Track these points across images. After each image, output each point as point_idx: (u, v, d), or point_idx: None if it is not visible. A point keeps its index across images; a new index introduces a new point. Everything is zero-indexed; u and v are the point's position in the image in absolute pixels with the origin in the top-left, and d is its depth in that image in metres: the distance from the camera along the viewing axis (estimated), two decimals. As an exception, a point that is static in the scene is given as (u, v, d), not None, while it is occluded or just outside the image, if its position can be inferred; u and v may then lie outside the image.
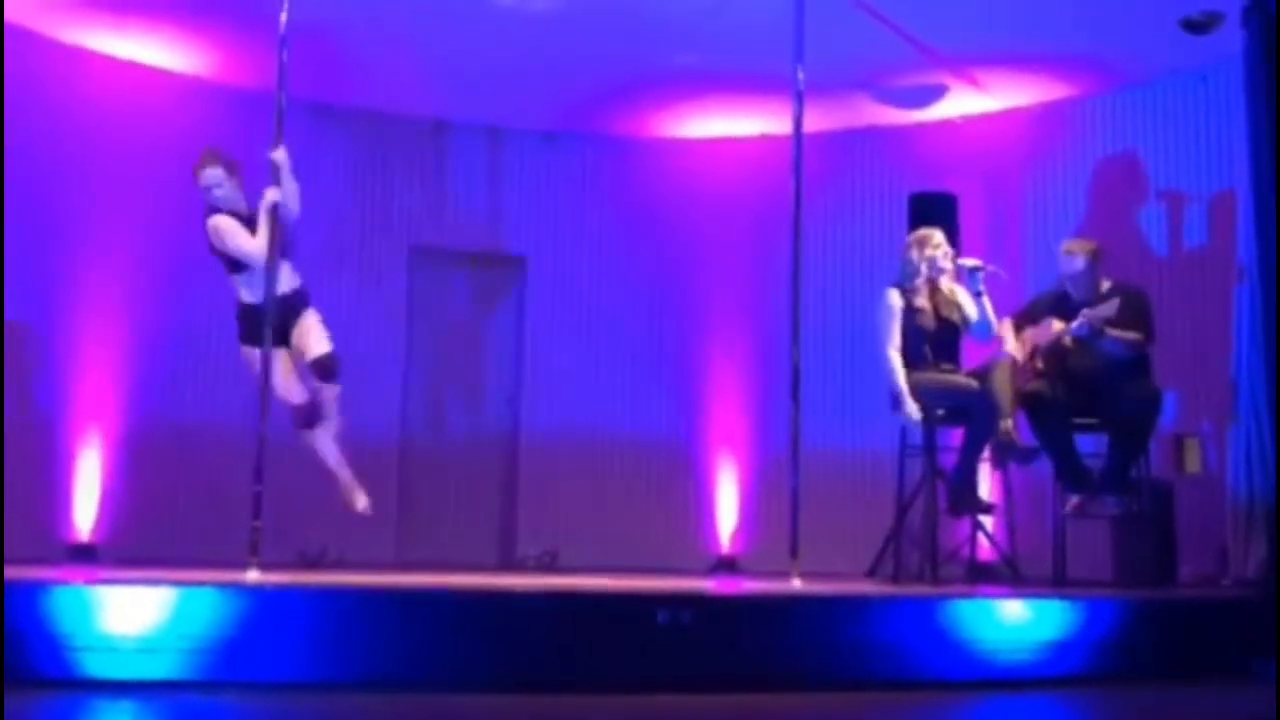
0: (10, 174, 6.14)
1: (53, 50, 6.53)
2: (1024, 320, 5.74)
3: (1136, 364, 5.49)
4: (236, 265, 5.16)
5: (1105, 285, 5.59)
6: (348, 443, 5.51)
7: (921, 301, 5.46)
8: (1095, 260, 5.60)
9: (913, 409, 5.33)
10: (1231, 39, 5.68)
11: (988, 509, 5.59)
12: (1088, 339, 5.41)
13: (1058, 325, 5.53)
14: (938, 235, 5.54)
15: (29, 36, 6.34)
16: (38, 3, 6.11)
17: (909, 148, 7.43)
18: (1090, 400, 5.44)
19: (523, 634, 3.95)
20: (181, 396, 6.87)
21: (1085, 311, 5.39)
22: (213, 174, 5.14)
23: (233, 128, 6.35)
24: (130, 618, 3.74)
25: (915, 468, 5.53)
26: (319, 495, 7.06)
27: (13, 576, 3.86)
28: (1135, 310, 5.44)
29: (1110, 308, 5.33)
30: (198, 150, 5.22)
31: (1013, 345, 5.65)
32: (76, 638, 3.70)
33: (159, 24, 6.42)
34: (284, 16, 4.97)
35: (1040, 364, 5.56)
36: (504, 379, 7.86)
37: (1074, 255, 5.61)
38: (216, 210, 5.15)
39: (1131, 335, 5.42)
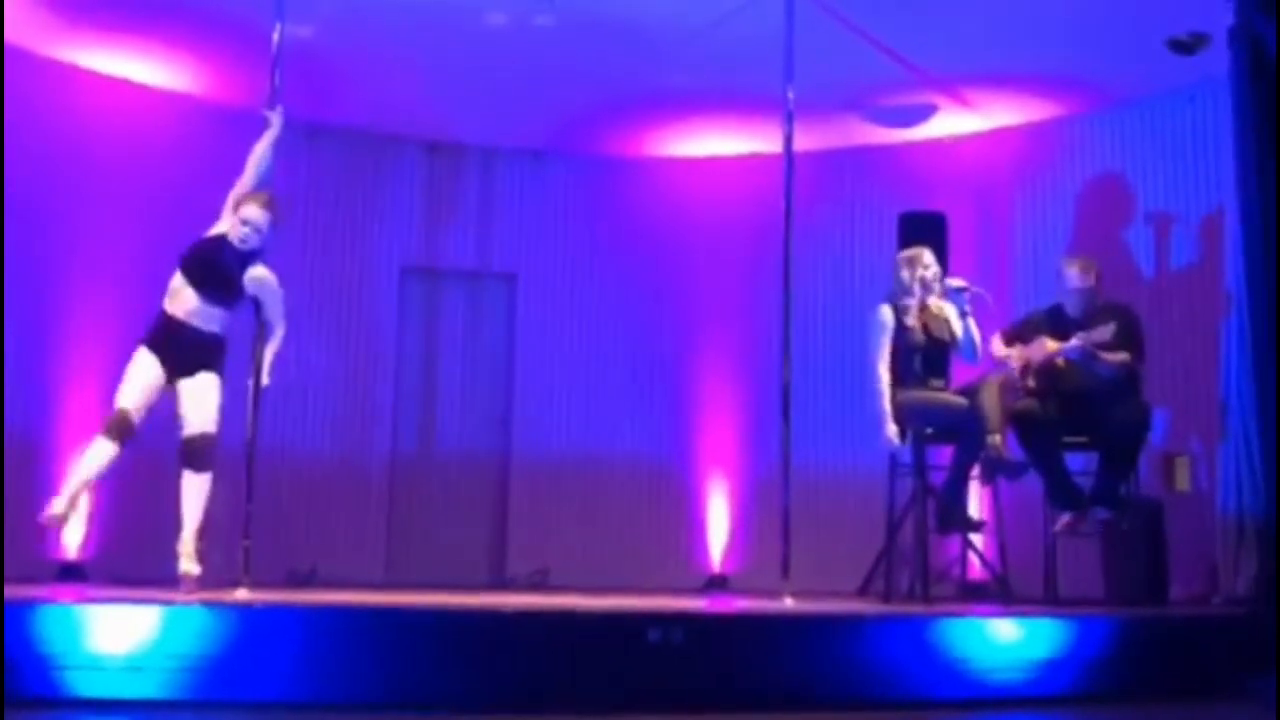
0: (3, 190, 6.13)
1: (46, 68, 6.53)
2: (1013, 338, 5.75)
3: (1126, 383, 5.51)
4: (232, 299, 4.97)
5: (1098, 303, 5.61)
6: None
7: (911, 319, 5.48)
8: (1099, 279, 5.64)
9: (892, 431, 5.34)
10: (1218, 59, 5.71)
11: (976, 527, 5.59)
12: (1081, 361, 5.43)
13: (1050, 345, 5.54)
14: (927, 254, 5.58)
15: (23, 55, 6.34)
16: (31, 21, 6.11)
17: (898, 167, 7.46)
18: (1080, 419, 5.45)
19: (513, 654, 3.93)
20: (170, 415, 6.84)
21: (1081, 335, 5.41)
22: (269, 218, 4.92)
23: (226, 145, 6.33)
24: (118, 637, 3.72)
25: (906, 486, 5.53)
26: (309, 515, 7.09)
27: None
28: (1125, 329, 5.46)
29: (1106, 332, 5.33)
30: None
31: (1003, 353, 5.67)
32: (65, 657, 3.69)
33: (153, 42, 6.42)
34: (276, 36, 4.99)
35: (1032, 382, 5.57)
36: (494, 397, 7.85)
37: (1085, 271, 5.63)
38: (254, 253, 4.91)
39: (1122, 356, 5.44)
